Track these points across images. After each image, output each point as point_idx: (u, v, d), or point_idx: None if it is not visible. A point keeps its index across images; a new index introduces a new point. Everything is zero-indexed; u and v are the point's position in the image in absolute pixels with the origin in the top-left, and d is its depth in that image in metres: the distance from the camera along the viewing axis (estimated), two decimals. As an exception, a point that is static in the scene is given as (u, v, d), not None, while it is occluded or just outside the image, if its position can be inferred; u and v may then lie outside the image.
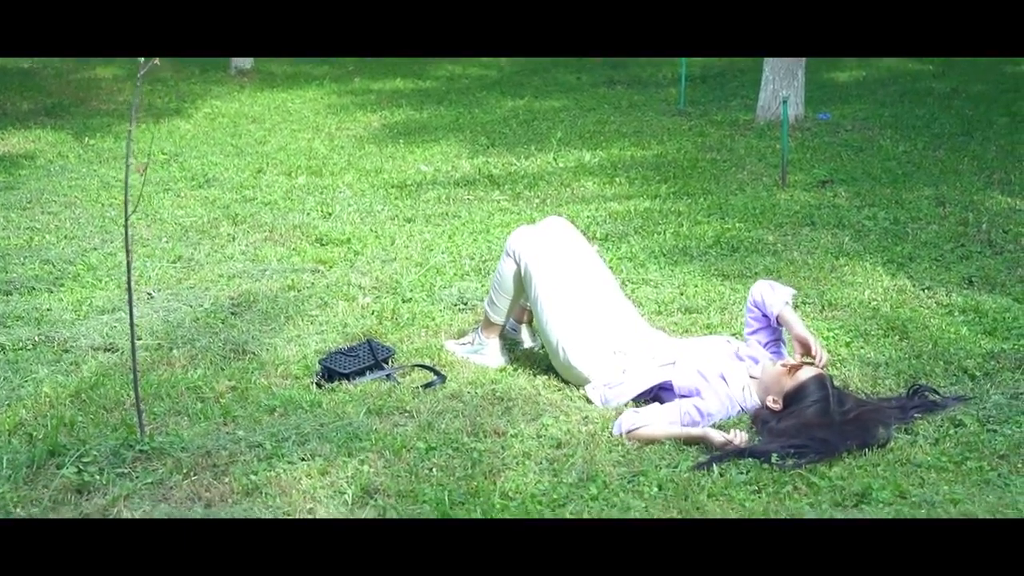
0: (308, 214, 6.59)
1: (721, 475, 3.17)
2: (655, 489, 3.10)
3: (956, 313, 4.53)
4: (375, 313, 4.69)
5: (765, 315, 3.84)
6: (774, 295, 3.82)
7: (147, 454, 3.39)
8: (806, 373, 3.52)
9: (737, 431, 3.39)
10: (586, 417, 3.66)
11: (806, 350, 3.69)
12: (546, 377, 3.99)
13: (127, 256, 3.34)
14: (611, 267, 4.89)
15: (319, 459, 3.34)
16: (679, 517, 2.92)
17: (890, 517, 2.89)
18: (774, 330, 3.88)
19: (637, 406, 3.68)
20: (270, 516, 3.01)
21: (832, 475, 3.15)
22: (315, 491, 3.15)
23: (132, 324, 3.43)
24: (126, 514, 3.07)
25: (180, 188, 7.42)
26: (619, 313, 4.01)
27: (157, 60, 3.30)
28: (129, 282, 3.36)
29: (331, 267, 5.45)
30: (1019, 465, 3.18)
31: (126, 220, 3.30)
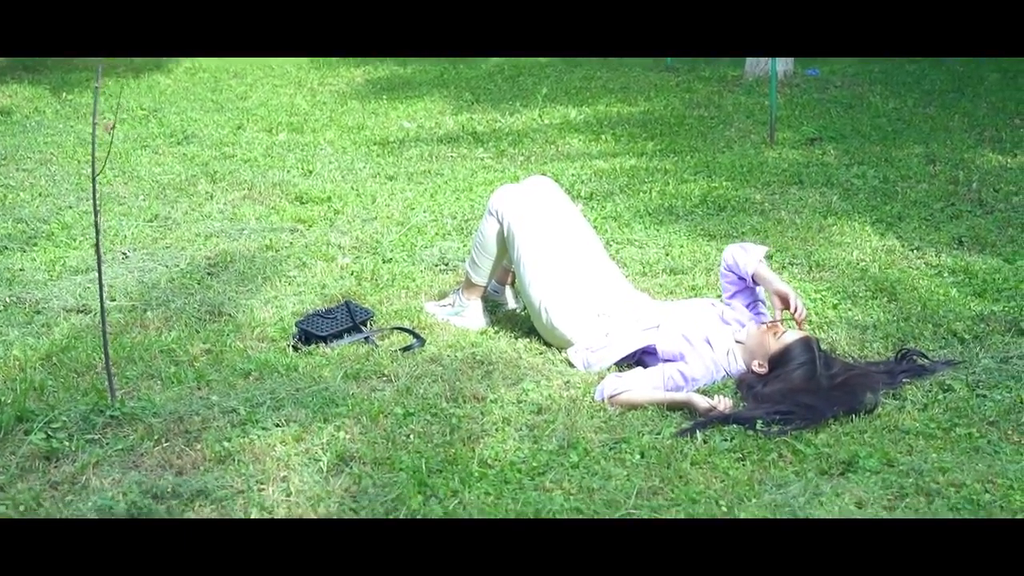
0: (288, 172, 6.49)
1: (705, 442, 3.10)
2: (637, 456, 3.03)
3: (946, 274, 4.45)
4: (354, 274, 4.60)
5: (741, 277, 3.78)
6: (747, 255, 3.76)
7: (118, 420, 3.30)
8: (792, 336, 3.44)
9: (721, 397, 3.31)
10: (568, 382, 3.57)
11: (784, 303, 3.63)
12: (528, 340, 3.91)
13: (95, 217, 3.24)
14: (596, 227, 4.80)
15: (294, 425, 3.26)
16: (661, 486, 2.86)
17: (878, 487, 2.83)
18: (752, 291, 3.82)
19: (620, 370, 3.61)
20: (242, 485, 2.93)
21: (818, 442, 3.08)
22: (289, 458, 3.07)
23: (101, 287, 3.33)
24: (95, 482, 2.99)
25: (158, 144, 7.30)
26: (603, 275, 3.92)
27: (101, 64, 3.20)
28: (98, 244, 3.26)
29: (310, 226, 5.35)
30: (1009, 432, 3.11)
31: (93, 182, 3.21)
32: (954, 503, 2.76)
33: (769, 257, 4.32)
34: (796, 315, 3.60)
